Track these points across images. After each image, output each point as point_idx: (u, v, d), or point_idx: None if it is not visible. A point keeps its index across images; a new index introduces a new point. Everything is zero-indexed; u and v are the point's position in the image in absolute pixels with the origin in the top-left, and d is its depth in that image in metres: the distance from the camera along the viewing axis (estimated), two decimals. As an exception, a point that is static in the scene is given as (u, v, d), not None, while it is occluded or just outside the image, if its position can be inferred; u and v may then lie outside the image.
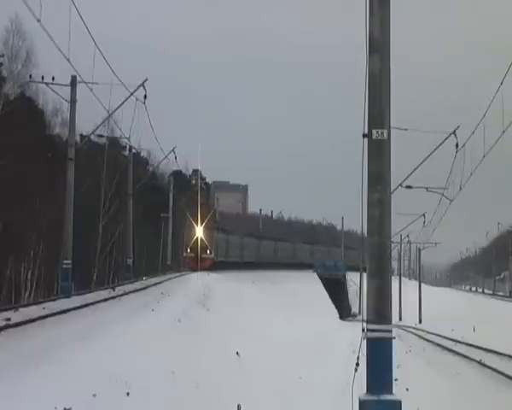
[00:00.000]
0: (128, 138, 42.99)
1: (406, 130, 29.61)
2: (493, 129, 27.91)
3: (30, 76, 36.78)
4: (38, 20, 23.42)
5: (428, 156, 36.79)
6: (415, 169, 37.65)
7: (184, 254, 61.68)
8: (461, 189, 34.55)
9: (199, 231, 59.95)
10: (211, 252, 60.68)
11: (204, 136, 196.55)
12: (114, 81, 31.62)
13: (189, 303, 31.34)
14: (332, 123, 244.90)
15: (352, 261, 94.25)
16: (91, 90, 31.65)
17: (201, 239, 59.94)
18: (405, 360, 25.85)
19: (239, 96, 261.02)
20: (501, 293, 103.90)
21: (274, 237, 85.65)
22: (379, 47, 9.12)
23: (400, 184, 36.66)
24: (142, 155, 64.79)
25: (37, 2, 22.99)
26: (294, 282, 65.97)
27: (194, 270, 55.06)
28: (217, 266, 60.29)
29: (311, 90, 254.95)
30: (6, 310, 21.89)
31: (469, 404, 18.19)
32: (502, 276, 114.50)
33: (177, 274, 50.51)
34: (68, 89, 32.70)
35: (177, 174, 68.82)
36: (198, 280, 45.09)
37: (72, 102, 32.91)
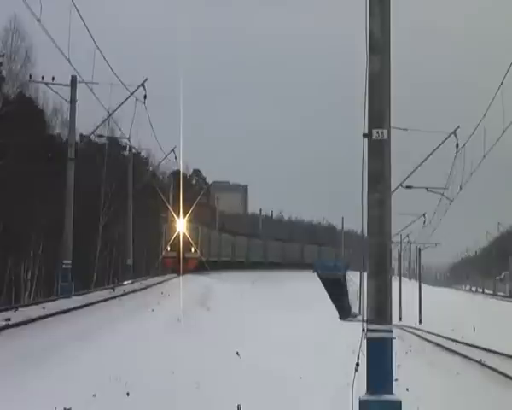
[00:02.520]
0: (128, 138, 43.00)
1: (406, 130, 29.62)
2: (493, 129, 27.92)
3: (30, 76, 36.83)
4: (38, 20, 23.44)
5: (428, 156, 36.80)
6: (415, 169, 37.66)
7: (163, 253, 52.56)
8: (461, 189, 34.57)
9: (181, 226, 50.80)
10: (196, 250, 51.78)
11: (204, 136, 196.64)
12: (114, 81, 31.62)
13: (188, 303, 31.31)
14: (332, 123, 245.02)
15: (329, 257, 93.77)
16: (91, 90, 31.69)
17: (185, 235, 50.85)
18: (405, 360, 25.85)
19: (239, 95, 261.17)
20: (501, 293, 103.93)
21: (247, 234, 79.45)
22: (379, 47, 9.13)
23: (400, 184, 36.64)
24: (142, 155, 64.86)
25: (37, 2, 23.00)
26: (294, 282, 65.97)
27: (176, 272, 46.93)
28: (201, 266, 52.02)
29: (310, 90, 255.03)
30: (6, 310, 21.90)
31: (469, 404, 18.18)
32: (502, 276, 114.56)
33: (177, 274, 50.21)
34: (68, 89, 32.74)
35: (177, 174, 68.82)
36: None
37: (72, 102, 32.94)
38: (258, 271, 68.72)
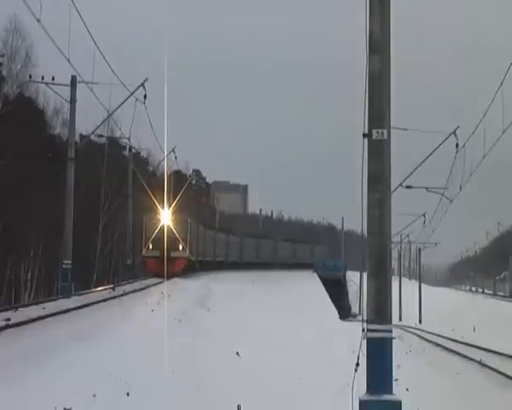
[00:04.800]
0: (128, 138, 43.00)
1: (406, 130, 29.65)
2: (493, 129, 27.95)
3: (30, 76, 36.87)
4: (38, 20, 23.50)
5: (428, 156, 36.85)
6: (415, 169, 37.70)
7: (143, 252, 43.46)
8: (461, 189, 34.58)
9: (166, 218, 42.04)
10: (184, 249, 42.94)
11: (204, 136, 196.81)
12: (114, 81, 31.66)
13: (188, 303, 31.32)
14: (332, 122, 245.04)
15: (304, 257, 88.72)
16: (91, 90, 31.74)
17: (170, 229, 41.85)
18: (405, 360, 25.86)
19: (239, 95, 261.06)
20: (501, 293, 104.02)
21: (227, 230, 71.47)
22: (379, 47, 9.13)
23: (400, 184, 36.67)
24: (142, 155, 64.91)
25: (37, 2, 23.05)
26: (294, 282, 65.93)
27: (159, 276, 37.99)
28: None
29: (310, 90, 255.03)
30: (6, 310, 21.93)
31: (469, 404, 18.20)
32: (502, 276, 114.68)
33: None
34: (68, 89, 32.79)
35: (177, 174, 68.88)
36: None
37: (72, 102, 32.99)
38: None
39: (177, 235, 42.21)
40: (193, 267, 45.67)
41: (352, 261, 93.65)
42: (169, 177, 66.67)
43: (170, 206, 42.84)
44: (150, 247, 42.41)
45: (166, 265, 37.07)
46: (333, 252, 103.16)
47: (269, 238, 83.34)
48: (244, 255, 69.85)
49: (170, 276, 37.73)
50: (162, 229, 41.49)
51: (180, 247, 42.63)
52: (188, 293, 35.49)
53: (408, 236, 77.49)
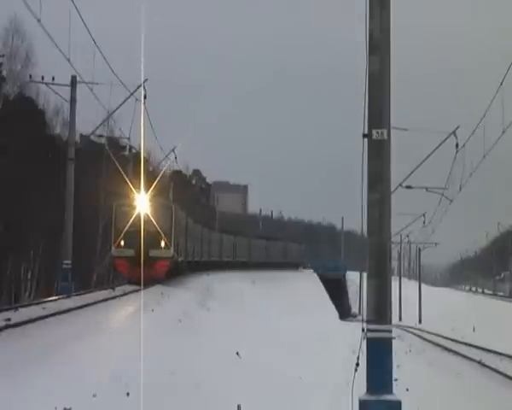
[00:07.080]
0: (128, 138, 42.89)
1: (406, 130, 29.62)
2: (493, 129, 27.91)
3: (30, 76, 36.89)
4: (38, 20, 23.49)
5: (428, 156, 36.80)
6: (415, 169, 37.68)
7: (113, 250, 33.98)
8: (461, 189, 34.53)
9: (142, 207, 32.20)
10: (167, 245, 33.39)
11: (204, 136, 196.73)
12: (114, 81, 31.64)
13: (188, 303, 31.33)
14: (332, 122, 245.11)
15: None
16: (91, 90, 31.75)
17: (149, 220, 31.85)
18: (405, 360, 25.90)
19: (239, 95, 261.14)
20: (501, 293, 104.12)
21: (210, 226, 64.09)
22: (379, 47, 9.13)
23: (400, 184, 36.67)
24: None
25: (37, 2, 23.04)
26: (294, 282, 65.98)
27: (134, 281, 31.12)
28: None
29: (310, 90, 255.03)
30: (6, 310, 21.93)
31: (469, 404, 18.22)
32: (502, 276, 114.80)
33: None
34: (68, 89, 32.82)
35: (177, 174, 68.86)
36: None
37: (72, 102, 33.01)
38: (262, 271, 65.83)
39: (157, 227, 32.80)
40: (179, 270, 38.59)
41: (352, 261, 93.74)
42: (169, 177, 66.72)
43: (148, 189, 33.57)
44: (122, 244, 33.05)
45: (144, 268, 28.84)
46: (311, 250, 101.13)
47: (243, 235, 74.13)
48: (223, 254, 61.42)
49: (149, 282, 30.82)
50: (138, 219, 31.73)
51: (162, 243, 33.40)
52: (188, 293, 35.50)
53: (408, 236, 77.45)
